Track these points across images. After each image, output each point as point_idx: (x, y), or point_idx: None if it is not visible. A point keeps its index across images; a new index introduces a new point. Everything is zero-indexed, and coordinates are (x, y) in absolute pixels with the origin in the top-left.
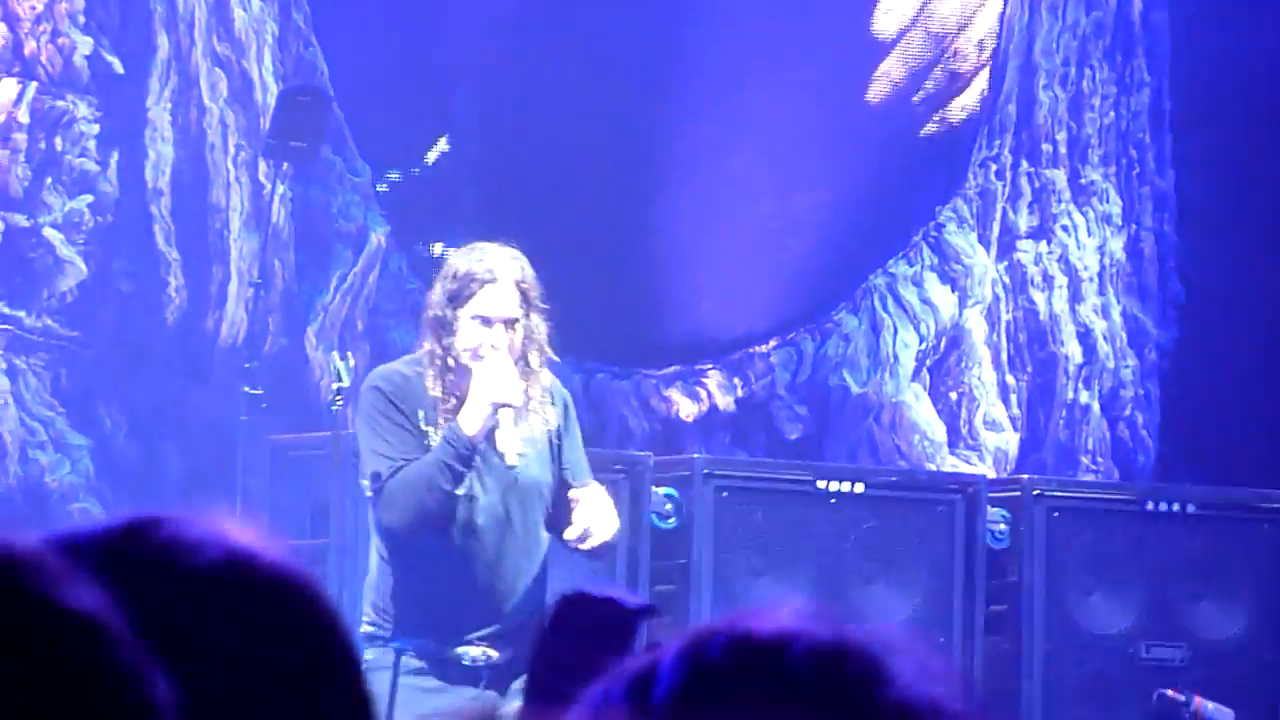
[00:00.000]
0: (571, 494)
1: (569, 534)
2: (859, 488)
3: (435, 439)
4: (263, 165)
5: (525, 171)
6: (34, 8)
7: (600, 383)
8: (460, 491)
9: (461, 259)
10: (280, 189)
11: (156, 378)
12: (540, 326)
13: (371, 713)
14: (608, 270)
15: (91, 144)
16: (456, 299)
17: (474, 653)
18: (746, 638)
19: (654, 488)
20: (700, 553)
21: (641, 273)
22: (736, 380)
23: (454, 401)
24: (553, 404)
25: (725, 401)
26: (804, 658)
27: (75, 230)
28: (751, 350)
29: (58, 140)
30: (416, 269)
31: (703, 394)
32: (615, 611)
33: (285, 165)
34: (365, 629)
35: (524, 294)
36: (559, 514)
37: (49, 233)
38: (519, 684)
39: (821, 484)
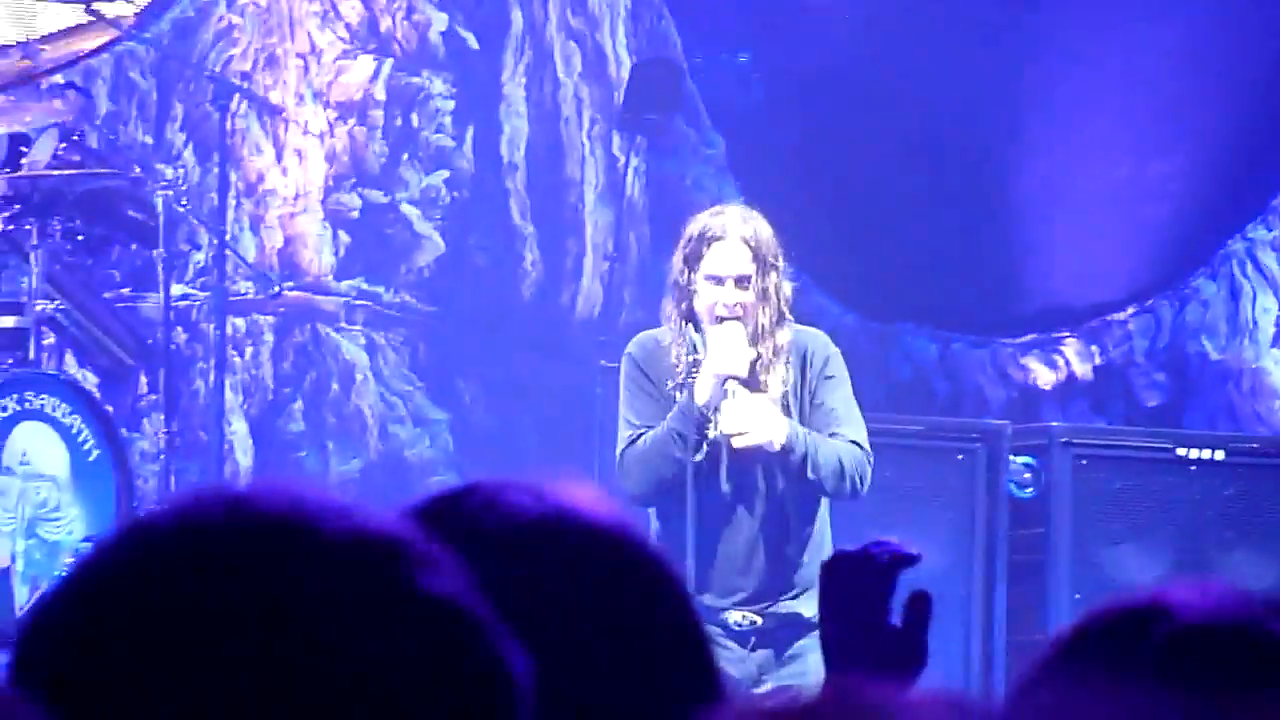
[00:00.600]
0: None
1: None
2: (1219, 455)
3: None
4: (617, 138)
5: (879, 142)
6: None
7: (957, 351)
8: (698, 458)
9: (695, 222)
10: (634, 162)
11: (513, 351)
12: (778, 285)
13: (709, 650)
14: (965, 239)
15: (447, 120)
16: (691, 260)
17: (736, 617)
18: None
19: (1012, 456)
20: (1059, 521)
21: (999, 241)
22: (1094, 348)
23: (690, 366)
24: (787, 363)
25: (1083, 369)
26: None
27: (432, 206)
28: (1109, 318)
29: (414, 116)
30: None
31: (1060, 362)
32: (871, 568)
33: (639, 138)
34: None
35: (755, 251)
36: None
37: (406, 209)
38: (803, 644)
39: (1181, 451)
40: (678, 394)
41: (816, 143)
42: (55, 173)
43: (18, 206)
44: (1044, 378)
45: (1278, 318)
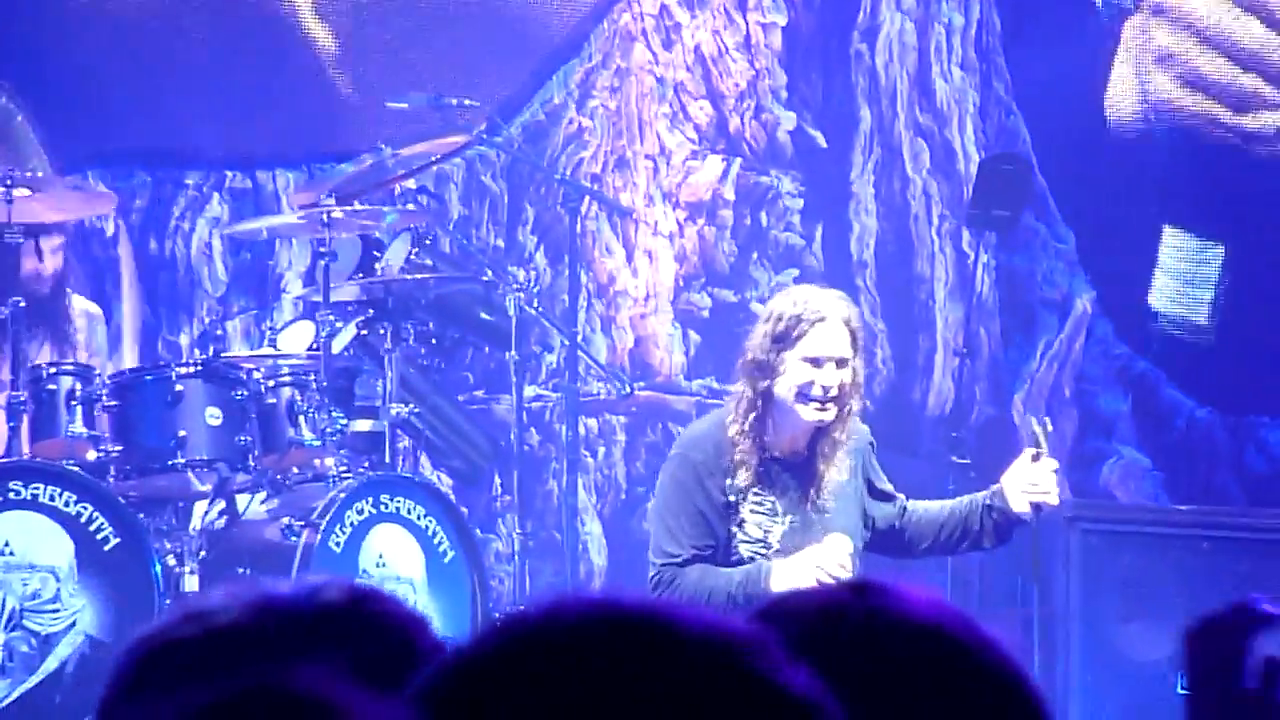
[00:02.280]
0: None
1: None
2: None
3: (743, 503)
4: (966, 234)
5: (1226, 230)
6: (738, 85)
7: None
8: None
9: (784, 300)
10: (984, 257)
11: None
12: (861, 370)
13: None
14: None
15: (796, 218)
16: (784, 340)
17: None
18: None
19: None
20: None
21: None
22: None
23: (764, 455)
24: (847, 453)
25: None
26: None
27: None
28: None
29: (763, 215)
30: (1123, 333)
31: None
32: (1231, 630)
33: (988, 234)
34: None
35: (853, 334)
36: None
37: (756, 308)
38: None
39: None
40: (733, 497)
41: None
42: (409, 277)
43: (372, 311)
44: None
45: None
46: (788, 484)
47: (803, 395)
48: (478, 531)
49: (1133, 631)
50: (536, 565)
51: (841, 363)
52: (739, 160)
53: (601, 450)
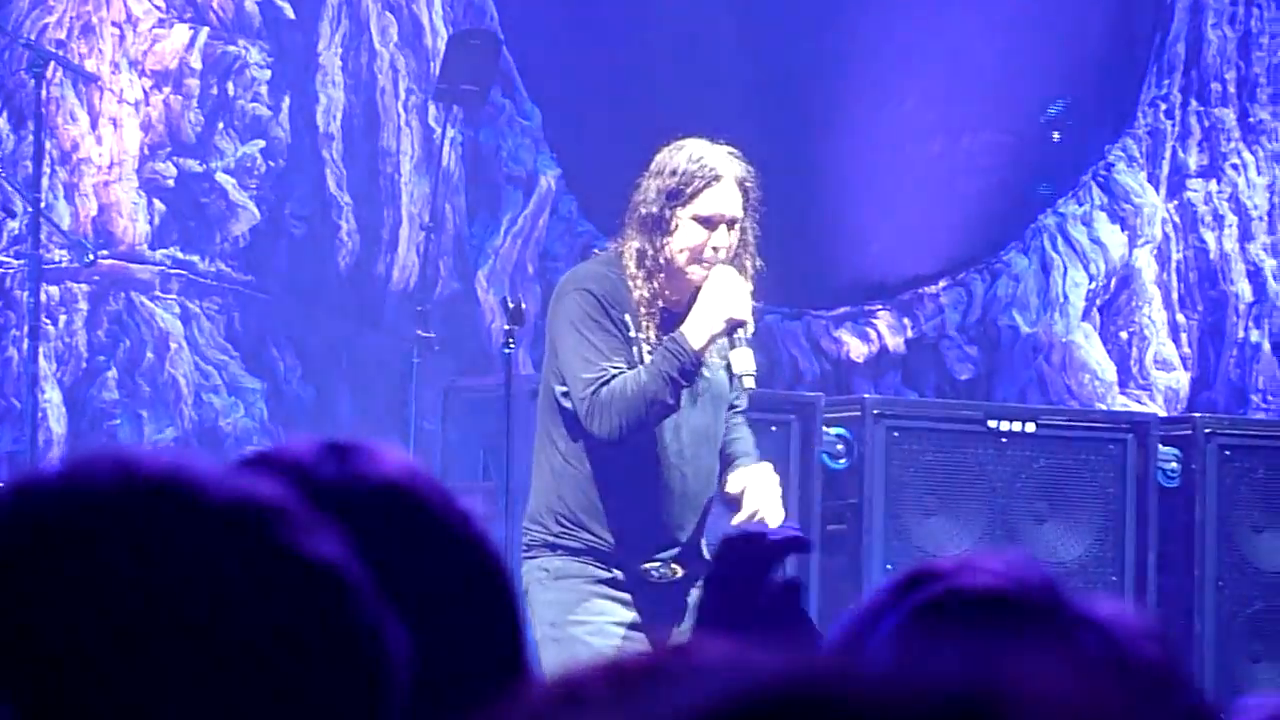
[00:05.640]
0: (741, 473)
1: (738, 517)
2: (1030, 427)
3: (646, 345)
4: (433, 109)
5: (693, 113)
6: None
7: (771, 324)
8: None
9: (679, 155)
10: (450, 133)
11: (329, 321)
12: (752, 230)
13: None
14: (778, 212)
15: (263, 89)
16: (676, 196)
17: (658, 567)
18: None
19: (825, 428)
20: (871, 492)
21: (812, 214)
22: (906, 321)
23: (660, 306)
24: None
25: (895, 342)
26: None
27: (248, 175)
28: (921, 291)
29: (230, 85)
30: (587, 211)
31: (873, 334)
32: (760, 547)
33: (455, 109)
34: (544, 536)
35: (746, 193)
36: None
37: (222, 178)
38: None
39: (993, 423)
40: (640, 334)
41: (632, 116)
42: None
43: None
44: (856, 350)
45: (1088, 292)
46: None
47: (695, 257)
48: None
49: (933, 524)
50: None
51: (733, 223)
52: (206, 29)
53: (63, 318)
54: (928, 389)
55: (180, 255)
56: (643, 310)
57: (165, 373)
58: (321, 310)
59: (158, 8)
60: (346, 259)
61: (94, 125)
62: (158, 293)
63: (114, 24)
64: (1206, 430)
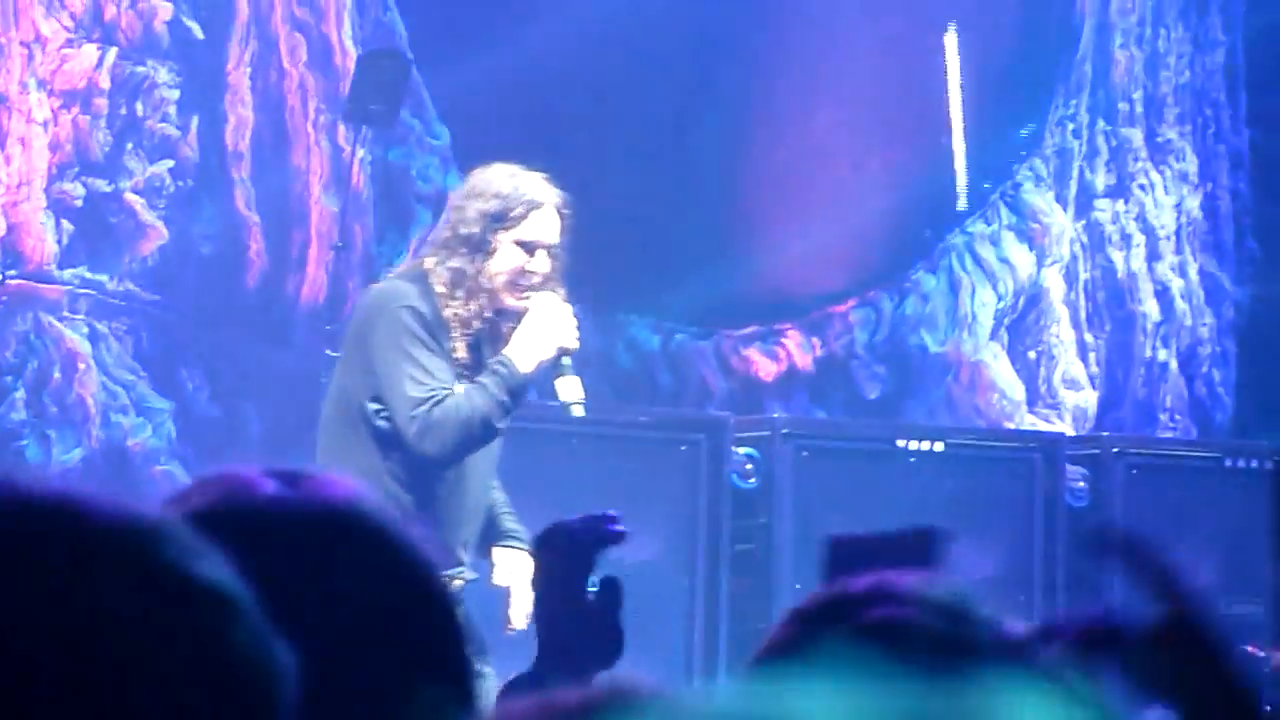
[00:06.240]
0: (507, 563)
1: (514, 621)
2: (939, 446)
3: (460, 366)
4: (342, 129)
5: (603, 134)
6: None
7: (680, 343)
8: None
9: (501, 179)
10: (360, 152)
11: (238, 341)
12: (560, 257)
13: (463, 640)
14: (687, 231)
15: (172, 109)
16: (499, 220)
17: (460, 578)
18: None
19: (734, 448)
20: (781, 512)
21: (721, 233)
22: (815, 340)
23: (465, 322)
24: None
25: (804, 361)
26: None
27: (156, 195)
28: (830, 310)
29: (138, 105)
30: None
31: (782, 353)
32: (578, 541)
33: (365, 129)
34: None
35: (563, 221)
36: None
37: (130, 197)
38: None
39: (901, 443)
40: (458, 355)
41: (540, 135)
42: None
43: None
44: (765, 369)
45: (997, 311)
46: (484, 360)
47: (512, 280)
48: None
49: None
50: None
51: (551, 250)
52: (115, 49)
53: None
54: (836, 408)
55: (88, 275)
56: (457, 331)
57: (73, 393)
58: (230, 330)
59: (66, 28)
60: (255, 278)
61: (2, 145)
62: (66, 313)
63: (22, 43)
64: (1114, 450)
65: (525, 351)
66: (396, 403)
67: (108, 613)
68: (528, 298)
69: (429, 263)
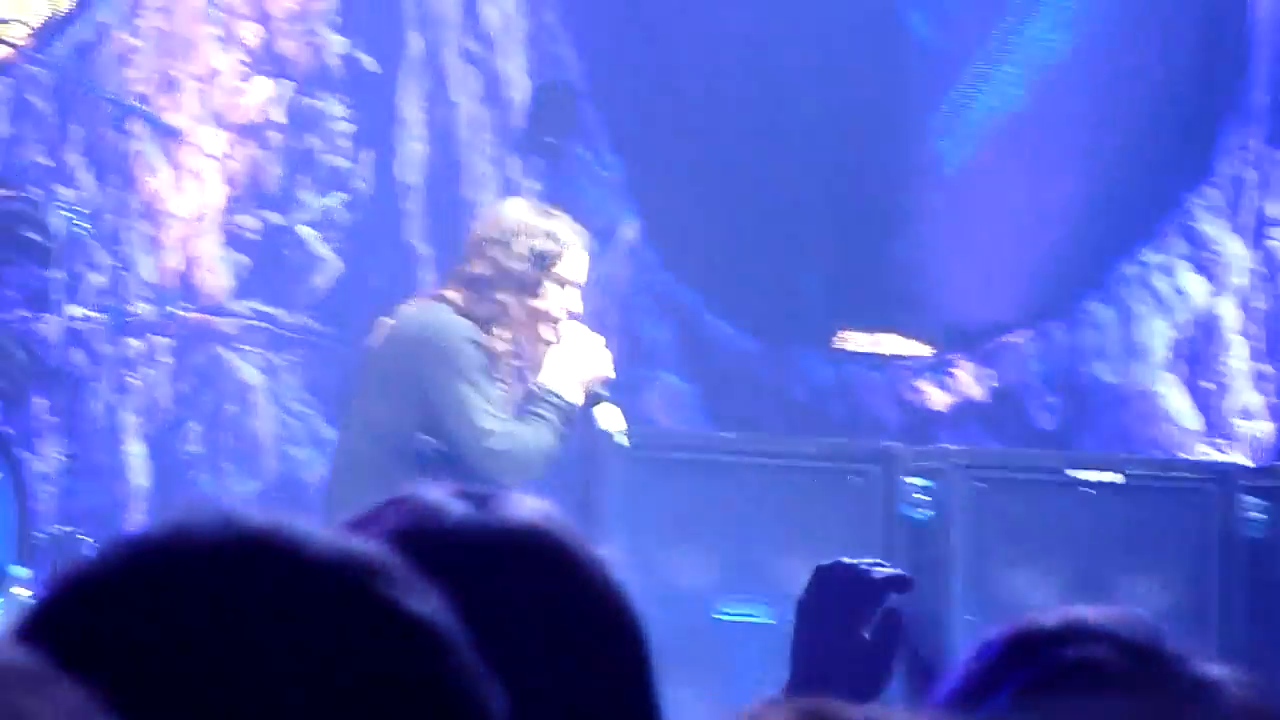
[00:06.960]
0: None
1: None
2: (1116, 477)
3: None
4: (514, 161)
5: (777, 165)
6: (289, 8)
7: (852, 373)
8: None
9: (538, 217)
10: (532, 185)
11: None
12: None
13: (652, 677)
14: (859, 262)
15: (344, 142)
16: (545, 259)
17: None
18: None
19: (907, 479)
20: (954, 544)
21: (893, 264)
22: (989, 370)
23: (520, 363)
24: None
25: (977, 392)
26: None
27: (329, 227)
28: (1003, 340)
29: (311, 138)
30: (668, 261)
31: (954, 384)
32: (864, 582)
33: (536, 161)
34: None
35: (591, 263)
36: None
37: (303, 230)
38: None
39: (1078, 474)
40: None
41: (714, 166)
42: None
43: None
44: (938, 399)
45: (1170, 341)
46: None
47: (549, 317)
48: (20, 452)
49: (1017, 575)
50: (79, 487)
51: (580, 288)
52: (288, 83)
53: (147, 371)
54: (1010, 439)
55: (262, 308)
56: (504, 364)
57: (248, 425)
58: None
59: (240, 61)
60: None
61: (177, 179)
62: (240, 345)
63: (196, 78)
64: None
65: (569, 382)
66: (465, 433)
67: (323, 648)
68: (560, 333)
69: (458, 296)
